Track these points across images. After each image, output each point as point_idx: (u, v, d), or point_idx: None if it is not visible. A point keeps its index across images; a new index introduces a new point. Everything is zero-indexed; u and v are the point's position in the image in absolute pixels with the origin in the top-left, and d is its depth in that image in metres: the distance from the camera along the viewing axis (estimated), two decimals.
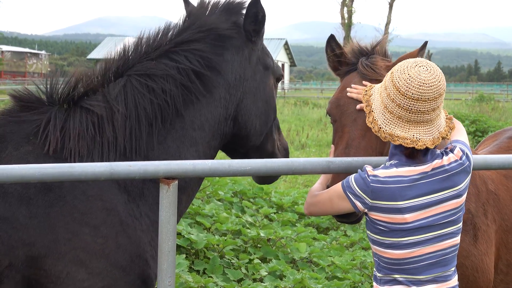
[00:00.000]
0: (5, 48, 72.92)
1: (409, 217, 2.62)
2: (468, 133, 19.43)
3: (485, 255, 3.42)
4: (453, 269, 2.75)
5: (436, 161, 2.67)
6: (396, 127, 2.61)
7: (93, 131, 2.88)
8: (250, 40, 3.22)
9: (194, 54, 3.07)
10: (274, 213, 8.36)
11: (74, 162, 2.79)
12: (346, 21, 40.76)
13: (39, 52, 79.31)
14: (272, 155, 3.39)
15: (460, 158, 2.72)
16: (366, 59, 3.19)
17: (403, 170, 2.63)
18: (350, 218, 2.93)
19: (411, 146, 2.58)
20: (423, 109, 2.56)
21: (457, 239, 2.74)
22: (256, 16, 3.16)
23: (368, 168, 2.67)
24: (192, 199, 3.24)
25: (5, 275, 2.63)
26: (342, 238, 7.74)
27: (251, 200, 8.85)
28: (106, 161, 2.87)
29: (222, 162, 2.74)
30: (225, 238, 6.51)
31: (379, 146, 3.03)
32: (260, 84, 3.25)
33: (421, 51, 3.23)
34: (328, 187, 2.93)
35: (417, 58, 2.64)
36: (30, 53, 74.73)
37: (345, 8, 41.50)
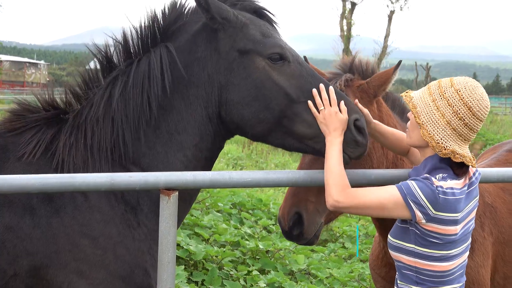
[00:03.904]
0: (3, 57, 72.77)
1: (459, 227, 2.66)
2: None
3: (481, 267, 3.43)
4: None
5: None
6: (455, 144, 2.64)
7: (84, 141, 2.88)
8: (213, 29, 3.02)
9: (165, 56, 2.98)
10: (273, 224, 8.35)
11: (71, 172, 2.81)
12: (345, 33, 40.72)
13: (38, 62, 79.14)
14: (316, 136, 2.93)
15: (476, 169, 2.83)
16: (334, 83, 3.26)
17: (455, 183, 2.65)
18: (299, 240, 3.21)
19: (469, 164, 2.65)
20: (479, 129, 2.66)
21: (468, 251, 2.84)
22: (200, 4, 2.94)
23: (434, 179, 2.62)
24: (191, 204, 3.19)
25: (10, 285, 2.66)
26: (340, 250, 7.74)
27: (250, 211, 8.85)
28: (101, 170, 2.87)
29: (222, 173, 2.75)
30: (224, 249, 6.50)
31: None
32: (240, 72, 2.99)
33: (396, 69, 3.34)
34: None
35: (468, 77, 2.70)
36: (29, 63, 74.60)
37: (344, 21, 41.50)
